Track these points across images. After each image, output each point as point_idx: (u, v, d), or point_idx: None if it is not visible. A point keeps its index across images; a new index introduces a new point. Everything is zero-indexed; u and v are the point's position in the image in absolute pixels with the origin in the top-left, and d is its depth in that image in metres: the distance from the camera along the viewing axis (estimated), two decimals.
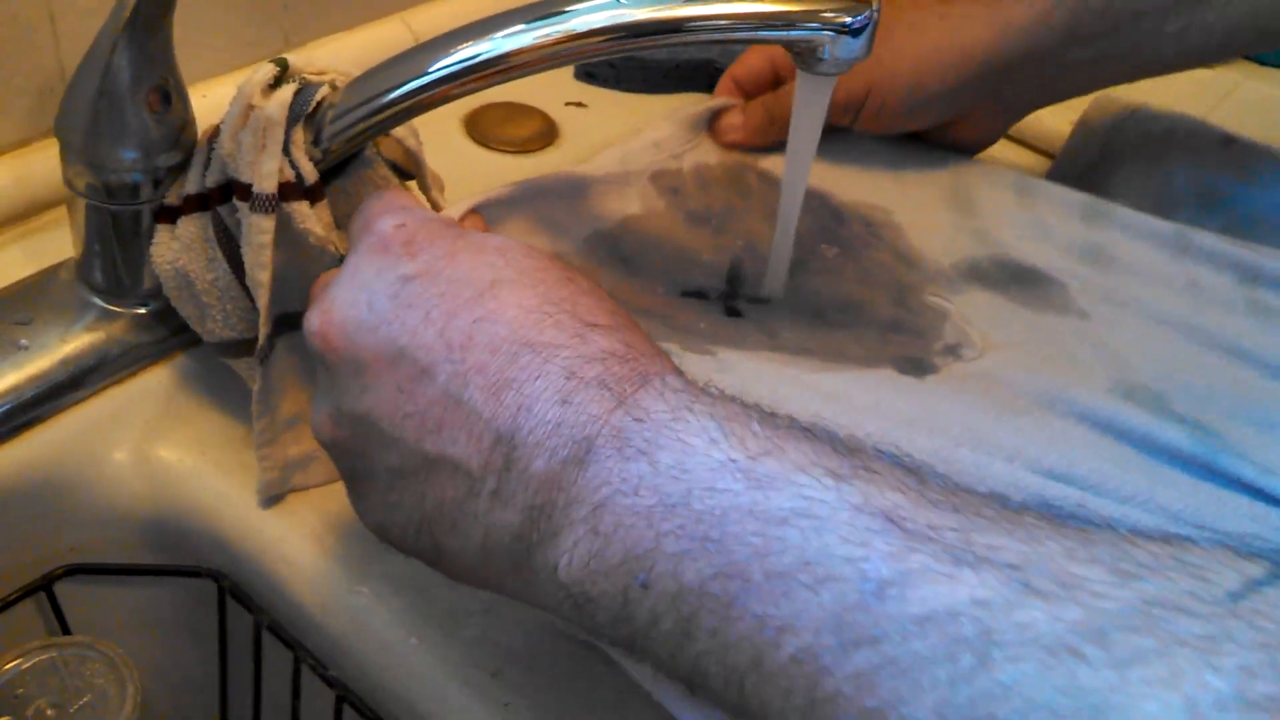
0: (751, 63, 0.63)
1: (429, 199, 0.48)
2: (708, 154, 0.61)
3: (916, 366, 0.49)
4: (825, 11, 0.38)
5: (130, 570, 0.48)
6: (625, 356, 0.31)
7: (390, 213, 0.36)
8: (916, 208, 0.58)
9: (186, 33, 0.44)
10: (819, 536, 0.26)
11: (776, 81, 0.62)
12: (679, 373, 0.32)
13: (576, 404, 0.30)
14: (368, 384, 0.33)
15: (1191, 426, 0.45)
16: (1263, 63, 0.74)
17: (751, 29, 0.40)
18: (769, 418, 0.30)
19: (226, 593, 0.47)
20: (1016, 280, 0.54)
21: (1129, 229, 0.56)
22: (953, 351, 0.50)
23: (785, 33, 0.40)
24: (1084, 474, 0.43)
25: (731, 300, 0.53)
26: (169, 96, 0.44)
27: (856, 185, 0.59)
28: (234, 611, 0.47)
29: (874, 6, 0.38)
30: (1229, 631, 0.23)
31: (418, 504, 0.33)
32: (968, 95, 0.55)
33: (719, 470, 0.28)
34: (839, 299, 0.52)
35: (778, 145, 0.55)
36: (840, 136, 0.60)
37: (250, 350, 0.45)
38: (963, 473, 0.31)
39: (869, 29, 0.38)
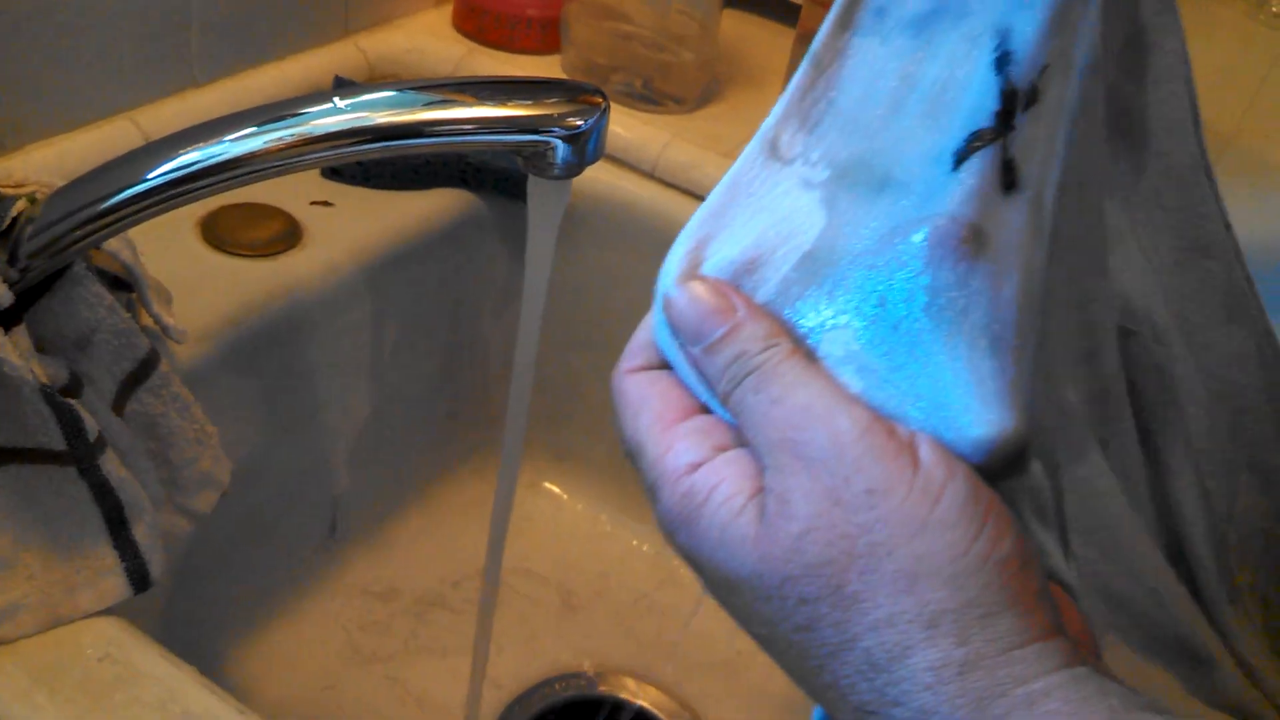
0: None
1: (150, 315, 0.44)
2: None
3: None
4: (557, 115, 0.38)
5: None
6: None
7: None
8: None
9: None
10: None
11: None
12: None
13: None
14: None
15: None
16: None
17: (490, 134, 0.40)
18: None
19: None
20: None
21: None
22: None
23: (520, 137, 0.39)
24: None
25: None
26: None
27: None
28: None
29: (602, 109, 0.38)
30: None
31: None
32: None
33: None
34: None
35: None
36: None
37: None
38: None
39: (598, 132, 0.38)
